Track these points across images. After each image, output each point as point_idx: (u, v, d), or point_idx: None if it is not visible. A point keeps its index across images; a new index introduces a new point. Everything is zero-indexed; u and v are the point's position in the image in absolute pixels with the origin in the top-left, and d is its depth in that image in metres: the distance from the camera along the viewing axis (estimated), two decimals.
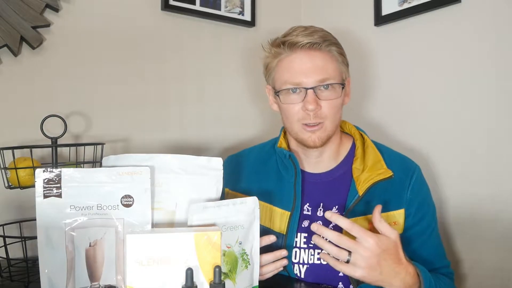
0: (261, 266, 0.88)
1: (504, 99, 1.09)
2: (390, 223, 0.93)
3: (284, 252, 0.92)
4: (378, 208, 0.84)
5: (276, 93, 1.00)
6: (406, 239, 0.96)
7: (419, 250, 0.97)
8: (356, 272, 0.80)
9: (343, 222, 0.82)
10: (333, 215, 0.83)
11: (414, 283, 0.85)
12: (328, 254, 0.84)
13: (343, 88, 0.97)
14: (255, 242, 0.84)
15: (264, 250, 0.91)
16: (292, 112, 0.97)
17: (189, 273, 0.63)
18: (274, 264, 0.91)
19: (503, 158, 1.09)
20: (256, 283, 0.84)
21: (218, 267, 0.64)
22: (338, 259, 0.83)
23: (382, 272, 0.81)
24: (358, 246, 0.80)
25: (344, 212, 0.96)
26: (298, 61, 0.96)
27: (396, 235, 0.84)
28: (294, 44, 0.95)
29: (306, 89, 0.94)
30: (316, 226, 0.84)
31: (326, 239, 0.84)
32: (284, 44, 0.96)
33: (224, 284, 0.64)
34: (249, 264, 0.83)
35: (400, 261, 0.83)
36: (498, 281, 1.10)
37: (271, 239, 0.91)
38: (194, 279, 0.63)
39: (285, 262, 0.93)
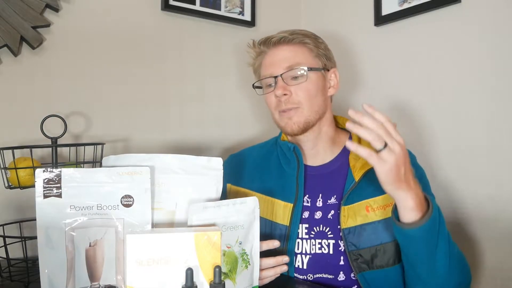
0: (261, 270, 0.88)
1: (504, 99, 1.09)
2: (387, 204, 0.95)
3: (286, 258, 0.92)
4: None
5: (255, 87, 1.10)
6: None
7: None
8: (384, 164, 0.78)
9: (379, 114, 0.80)
10: (370, 107, 0.80)
11: (423, 200, 0.84)
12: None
13: (310, 71, 1.01)
14: (255, 242, 0.84)
15: (266, 253, 0.91)
16: (270, 102, 1.05)
17: (189, 273, 0.63)
18: (274, 269, 0.91)
19: (503, 158, 1.09)
20: (256, 283, 0.84)
21: (218, 267, 0.64)
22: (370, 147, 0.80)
23: (405, 173, 0.80)
24: (392, 139, 0.78)
25: (342, 198, 0.98)
26: (272, 55, 1.05)
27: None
28: (266, 41, 1.05)
29: (275, 77, 1.01)
30: (352, 112, 0.80)
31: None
32: (260, 44, 1.07)
33: (224, 284, 0.64)
34: (249, 264, 0.83)
35: (412, 175, 0.83)
36: (498, 281, 1.10)
37: (274, 244, 0.91)
38: (194, 279, 0.63)
39: (285, 268, 0.93)
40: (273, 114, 1.06)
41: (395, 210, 0.86)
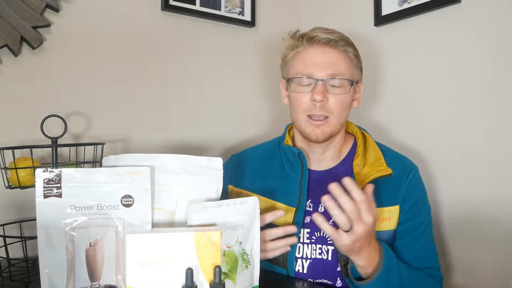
0: (270, 241, 0.89)
1: (503, 99, 1.09)
2: (384, 219, 0.97)
3: (293, 228, 0.92)
4: (371, 187, 0.85)
5: (288, 80, 1.03)
6: (398, 234, 0.99)
7: (409, 246, 0.99)
8: (345, 240, 0.82)
9: (357, 194, 0.82)
10: (350, 185, 0.83)
11: (375, 257, 0.88)
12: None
13: (351, 85, 0.99)
14: (255, 242, 0.84)
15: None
16: (300, 102, 1.00)
17: (189, 273, 0.63)
18: (284, 240, 0.91)
19: (503, 159, 1.09)
20: (256, 283, 0.84)
21: (218, 267, 0.64)
22: (335, 228, 0.84)
23: (362, 246, 0.85)
24: (360, 221, 0.82)
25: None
26: (314, 54, 0.99)
27: (377, 214, 0.86)
28: (312, 38, 0.99)
29: (316, 80, 0.97)
30: (334, 188, 0.83)
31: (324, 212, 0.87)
32: (303, 37, 1.01)
33: (224, 284, 0.64)
34: (249, 264, 0.83)
35: (372, 237, 0.88)
36: (498, 281, 1.10)
37: (279, 214, 0.91)
38: (194, 279, 0.63)
39: (295, 239, 0.92)
40: (298, 115, 1.01)
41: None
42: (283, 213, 0.92)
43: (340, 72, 0.98)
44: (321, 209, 1.01)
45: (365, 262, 0.87)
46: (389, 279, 0.89)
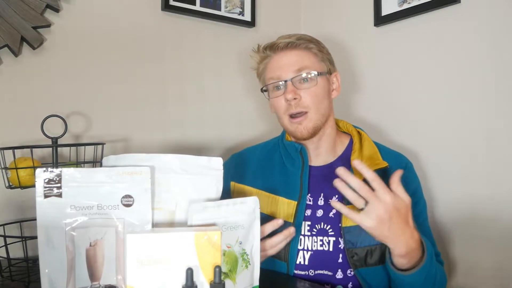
0: (269, 237, 0.90)
1: (503, 99, 1.09)
2: None
3: (292, 230, 0.93)
4: (398, 172, 0.87)
5: (263, 90, 1.12)
6: None
7: None
8: (366, 221, 0.84)
9: (367, 172, 0.85)
10: (360, 164, 0.86)
11: (416, 248, 0.88)
12: (341, 202, 0.88)
13: (318, 75, 1.04)
14: (255, 242, 0.84)
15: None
16: (278, 106, 1.07)
17: (189, 273, 0.63)
18: (283, 233, 0.91)
19: (503, 159, 1.09)
20: (257, 283, 0.84)
21: (218, 267, 0.64)
22: (352, 207, 0.86)
23: (390, 228, 0.84)
24: (376, 198, 0.83)
25: (343, 199, 0.98)
26: (278, 59, 1.07)
27: (410, 200, 0.87)
28: (273, 46, 1.07)
29: (285, 81, 1.04)
30: (341, 170, 0.86)
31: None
32: (266, 48, 1.09)
33: (224, 284, 0.64)
34: (249, 264, 0.83)
35: (408, 223, 0.87)
36: (498, 281, 1.10)
37: (278, 222, 0.91)
38: (194, 279, 0.63)
39: (293, 230, 0.93)
40: (281, 118, 1.07)
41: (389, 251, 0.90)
42: (281, 221, 0.92)
43: (305, 66, 1.03)
44: (320, 202, 1.04)
45: (404, 249, 0.86)
46: (429, 272, 0.90)
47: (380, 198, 0.83)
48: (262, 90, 1.13)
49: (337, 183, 0.86)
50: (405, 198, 0.86)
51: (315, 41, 1.08)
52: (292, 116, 1.04)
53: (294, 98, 1.01)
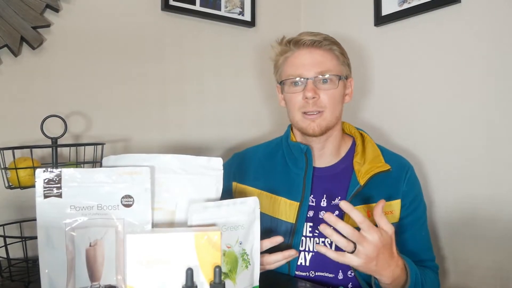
0: (268, 254, 0.89)
1: (503, 99, 1.09)
2: (387, 212, 1.01)
3: (293, 253, 0.92)
4: (381, 203, 0.87)
5: (281, 83, 1.09)
6: (400, 228, 1.03)
7: (410, 240, 1.04)
8: (354, 261, 0.84)
9: (356, 214, 0.85)
10: (348, 206, 0.85)
11: (401, 274, 0.91)
12: (325, 245, 0.90)
13: (340, 79, 1.04)
14: (255, 242, 0.84)
15: (271, 249, 0.92)
16: (294, 101, 1.05)
17: (189, 273, 0.63)
18: (282, 253, 0.91)
19: (502, 159, 1.09)
20: (257, 283, 0.84)
21: (218, 267, 0.64)
22: (341, 250, 0.86)
23: (377, 264, 0.85)
24: (364, 239, 0.84)
25: (346, 200, 1.00)
26: (301, 56, 1.05)
27: (393, 230, 0.88)
28: (298, 42, 1.06)
29: (306, 79, 1.03)
30: (328, 216, 0.85)
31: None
32: (289, 42, 1.07)
33: (224, 284, 0.64)
34: (249, 264, 0.83)
35: (393, 254, 0.89)
36: (498, 281, 1.10)
37: (277, 240, 0.91)
38: (194, 279, 0.63)
39: (293, 252, 0.93)
40: (294, 113, 1.06)
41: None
42: (281, 238, 0.91)
43: (328, 69, 1.03)
44: (323, 203, 1.04)
45: (390, 279, 0.89)
46: None
47: (369, 240, 0.83)
48: (280, 83, 1.10)
49: (325, 229, 0.84)
50: (389, 229, 0.86)
51: (338, 44, 1.08)
52: (307, 114, 1.03)
53: (313, 97, 1.01)
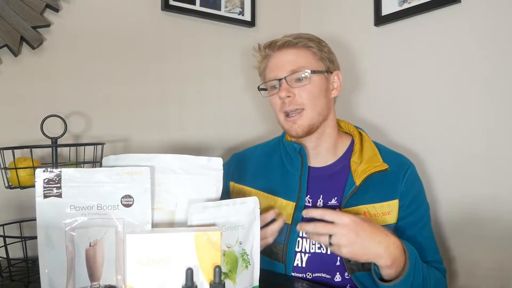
0: (266, 227, 0.93)
1: (502, 99, 1.09)
2: (385, 213, 1.01)
3: (285, 217, 0.99)
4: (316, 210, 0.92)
5: (260, 89, 1.12)
6: (400, 229, 1.02)
7: (412, 241, 1.00)
8: (341, 250, 0.86)
9: (315, 212, 0.90)
10: (308, 211, 0.91)
11: (400, 254, 0.89)
12: (321, 247, 0.94)
13: (314, 74, 1.04)
14: (255, 242, 0.84)
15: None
16: (274, 103, 1.08)
17: (189, 273, 0.63)
18: (278, 221, 0.95)
19: (503, 159, 1.09)
20: (256, 283, 0.84)
21: (218, 267, 0.64)
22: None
23: (363, 243, 0.86)
24: (335, 226, 0.86)
25: (342, 201, 1.01)
26: (276, 59, 1.08)
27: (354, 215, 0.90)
28: (271, 45, 1.08)
29: (279, 80, 1.04)
30: (299, 227, 0.92)
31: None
32: (265, 47, 1.10)
33: (224, 284, 0.64)
34: (249, 264, 0.83)
35: (377, 227, 0.89)
36: (498, 281, 1.10)
37: (276, 211, 0.95)
38: (194, 279, 0.63)
39: (284, 217, 0.99)
40: (278, 116, 1.08)
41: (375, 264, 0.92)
42: (278, 211, 0.97)
43: (300, 66, 1.03)
44: (319, 204, 1.04)
45: (387, 260, 0.87)
46: (414, 277, 0.91)
47: (339, 224, 0.86)
48: (259, 89, 1.13)
49: (303, 226, 0.91)
50: (349, 215, 0.88)
51: (315, 40, 1.08)
52: (288, 115, 1.04)
53: (288, 96, 1.02)
